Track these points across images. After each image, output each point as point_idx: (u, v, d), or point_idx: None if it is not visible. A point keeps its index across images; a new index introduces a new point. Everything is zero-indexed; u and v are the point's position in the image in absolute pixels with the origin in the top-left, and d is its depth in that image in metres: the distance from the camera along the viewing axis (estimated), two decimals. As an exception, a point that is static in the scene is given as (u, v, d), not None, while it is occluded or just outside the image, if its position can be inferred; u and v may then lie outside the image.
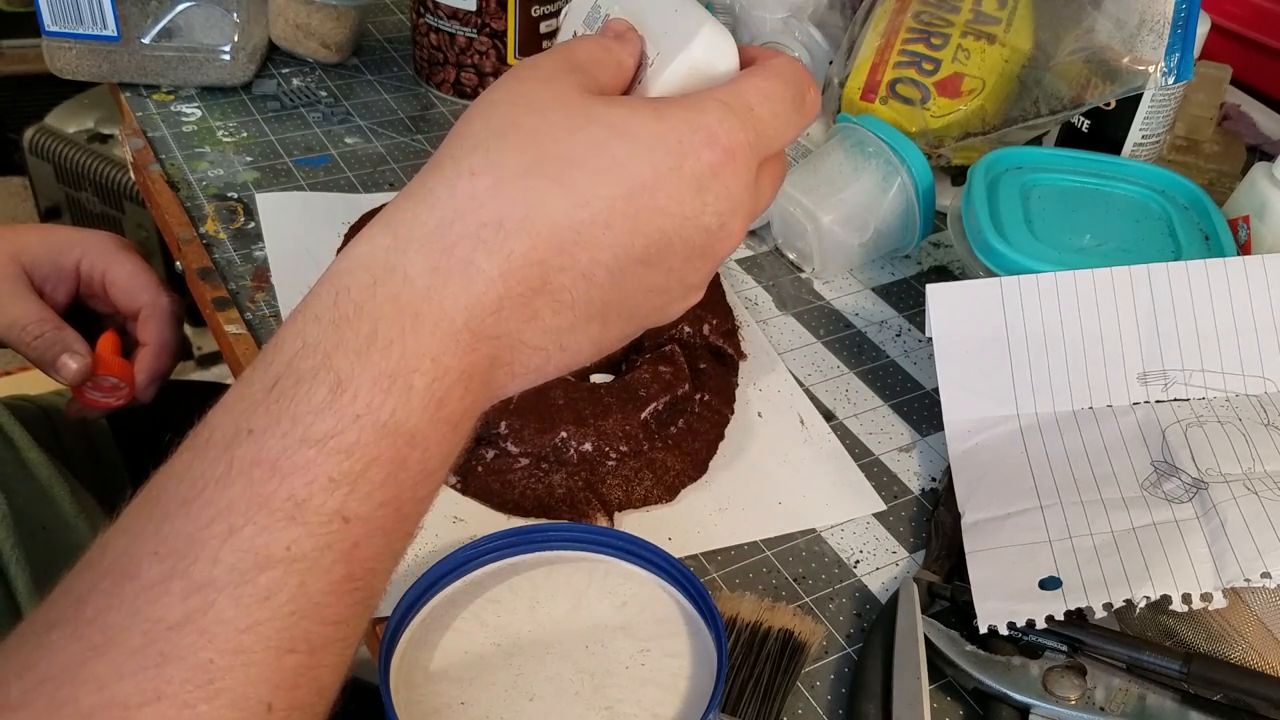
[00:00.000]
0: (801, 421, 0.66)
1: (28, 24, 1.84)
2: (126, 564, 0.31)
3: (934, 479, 0.63)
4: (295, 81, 0.93)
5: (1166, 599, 0.49)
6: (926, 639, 0.51)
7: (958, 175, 0.84)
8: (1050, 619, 0.50)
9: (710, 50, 0.40)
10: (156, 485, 0.33)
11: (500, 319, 0.35)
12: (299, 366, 0.33)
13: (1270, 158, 0.71)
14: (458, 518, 0.58)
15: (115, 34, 0.87)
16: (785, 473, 0.63)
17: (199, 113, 0.88)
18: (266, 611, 0.31)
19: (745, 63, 0.41)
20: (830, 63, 0.89)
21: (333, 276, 0.35)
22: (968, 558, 0.55)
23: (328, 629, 0.33)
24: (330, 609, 0.33)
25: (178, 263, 0.77)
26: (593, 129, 0.36)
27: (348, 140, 0.87)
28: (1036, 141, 0.85)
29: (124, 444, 0.85)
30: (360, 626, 0.35)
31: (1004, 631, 0.51)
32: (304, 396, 0.33)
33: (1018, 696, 0.49)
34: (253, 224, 0.77)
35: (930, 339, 0.63)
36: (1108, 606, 0.50)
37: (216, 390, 0.98)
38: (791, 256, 0.80)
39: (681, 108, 0.37)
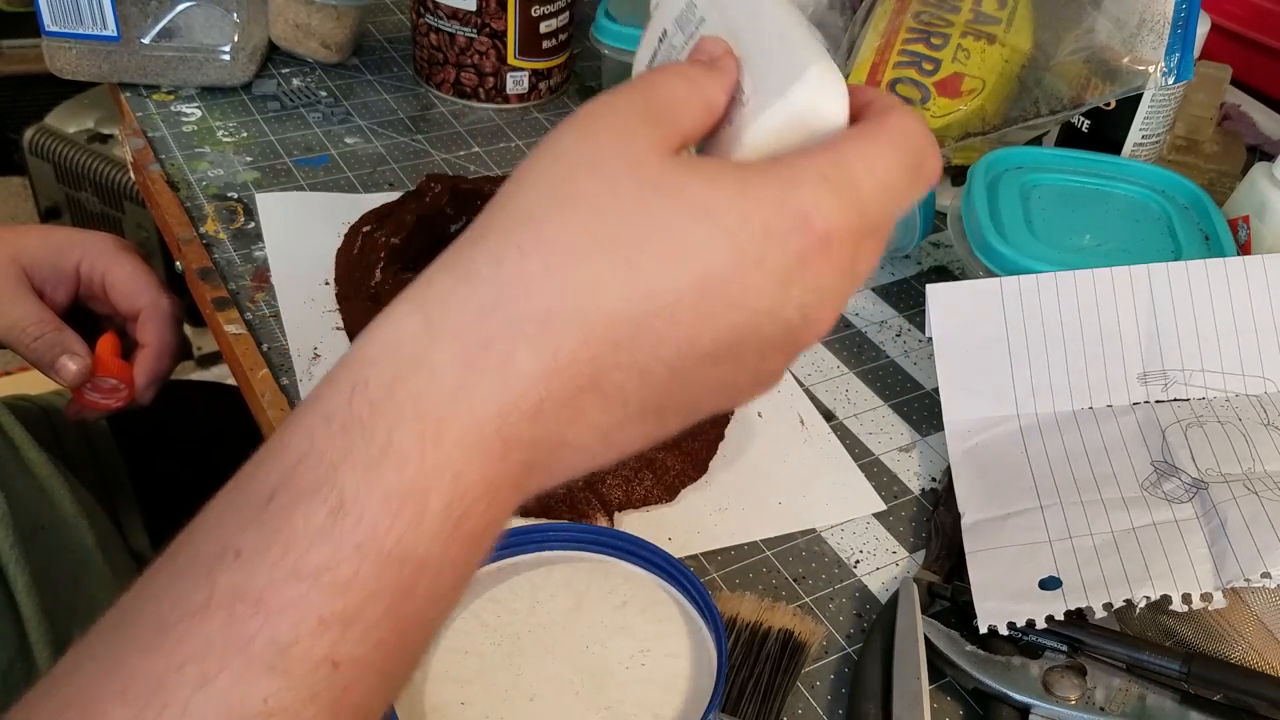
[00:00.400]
0: (801, 421, 0.66)
1: (28, 24, 1.84)
2: (89, 699, 0.28)
3: (934, 479, 0.63)
4: (295, 81, 0.93)
5: (1166, 599, 0.49)
6: (926, 639, 0.51)
7: (958, 175, 0.84)
8: (1050, 619, 0.50)
9: (816, 98, 0.33)
10: (135, 599, 0.30)
11: (539, 422, 0.31)
12: (300, 479, 0.29)
13: (1270, 158, 0.71)
14: (458, 518, 0.58)
15: (115, 34, 0.87)
16: (785, 473, 0.63)
17: (199, 113, 0.88)
18: None
19: (856, 110, 0.35)
20: (830, 63, 0.89)
21: (352, 365, 0.31)
22: (968, 558, 0.55)
23: None
24: None
25: (178, 263, 0.77)
26: (667, 204, 0.31)
27: (348, 140, 0.87)
28: (1036, 141, 0.85)
29: (124, 444, 0.85)
30: None
31: (1004, 631, 0.51)
32: (301, 518, 0.29)
33: (1018, 696, 0.49)
34: (253, 224, 0.77)
35: (930, 339, 0.63)
36: (1108, 606, 0.50)
37: (216, 390, 0.99)
38: (791, 256, 0.80)
39: (771, 182, 0.32)
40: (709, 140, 0.36)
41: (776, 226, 0.31)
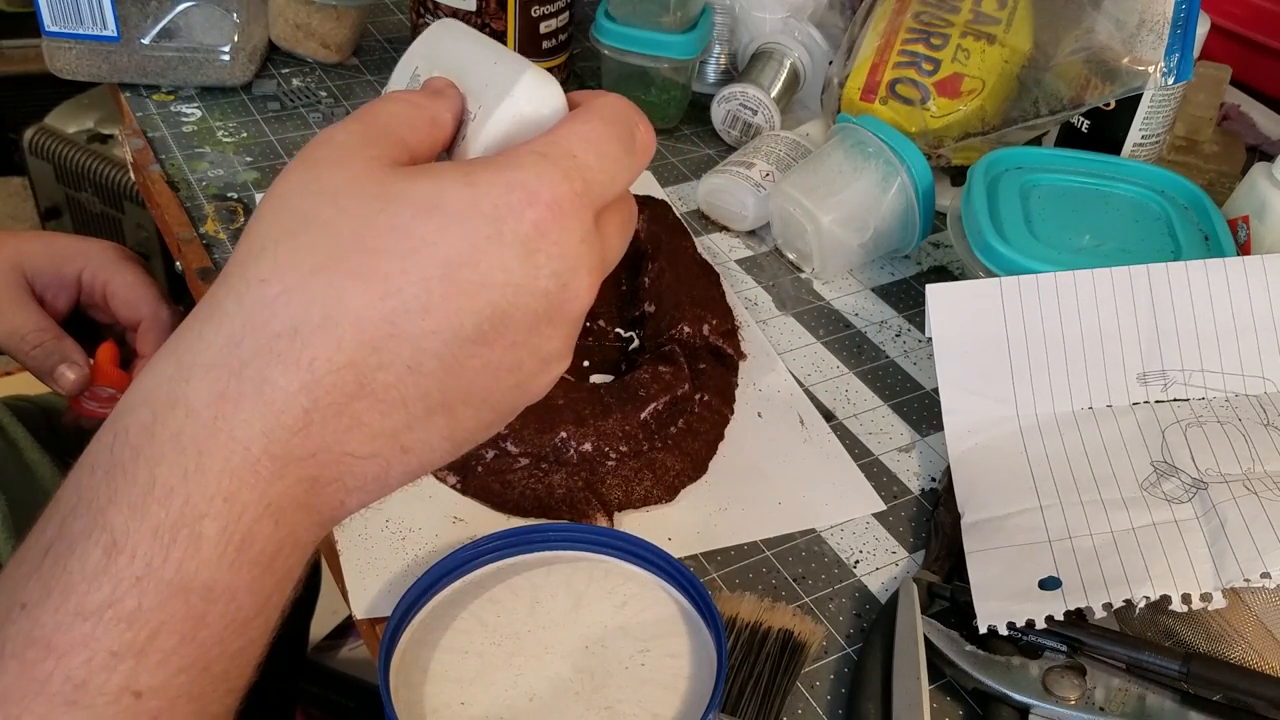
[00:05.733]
0: (801, 421, 0.66)
1: (28, 24, 1.84)
2: None
3: (934, 479, 0.64)
4: (295, 82, 0.93)
5: (1166, 599, 0.49)
6: (926, 639, 0.51)
7: (958, 175, 0.84)
8: (1050, 619, 0.50)
9: (533, 97, 0.37)
10: None
11: (310, 436, 0.31)
12: (72, 528, 0.30)
13: (1270, 158, 0.71)
14: (458, 518, 0.58)
15: (115, 34, 0.87)
16: (785, 473, 0.63)
17: (199, 113, 0.88)
18: None
19: (571, 107, 0.38)
20: (830, 63, 0.89)
21: (115, 418, 0.32)
22: (967, 558, 0.55)
23: None
24: None
25: (178, 263, 0.77)
26: (394, 210, 0.32)
27: (348, 140, 0.87)
28: (1036, 142, 0.85)
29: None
30: None
31: (1004, 631, 0.51)
32: (77, 563, 0.29)
33: (1017, 696, 0.49)
34: (253, 224, 0.77)
35: (930, 339, 0.63)
36: (1107, 606, 0.50)
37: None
38: (791, 257, 0.80)
39: (493, 168, 0.33)
40: (445, 160, 0.38)
41: (506, 203, 0.33)
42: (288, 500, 0.32)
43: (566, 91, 0.38)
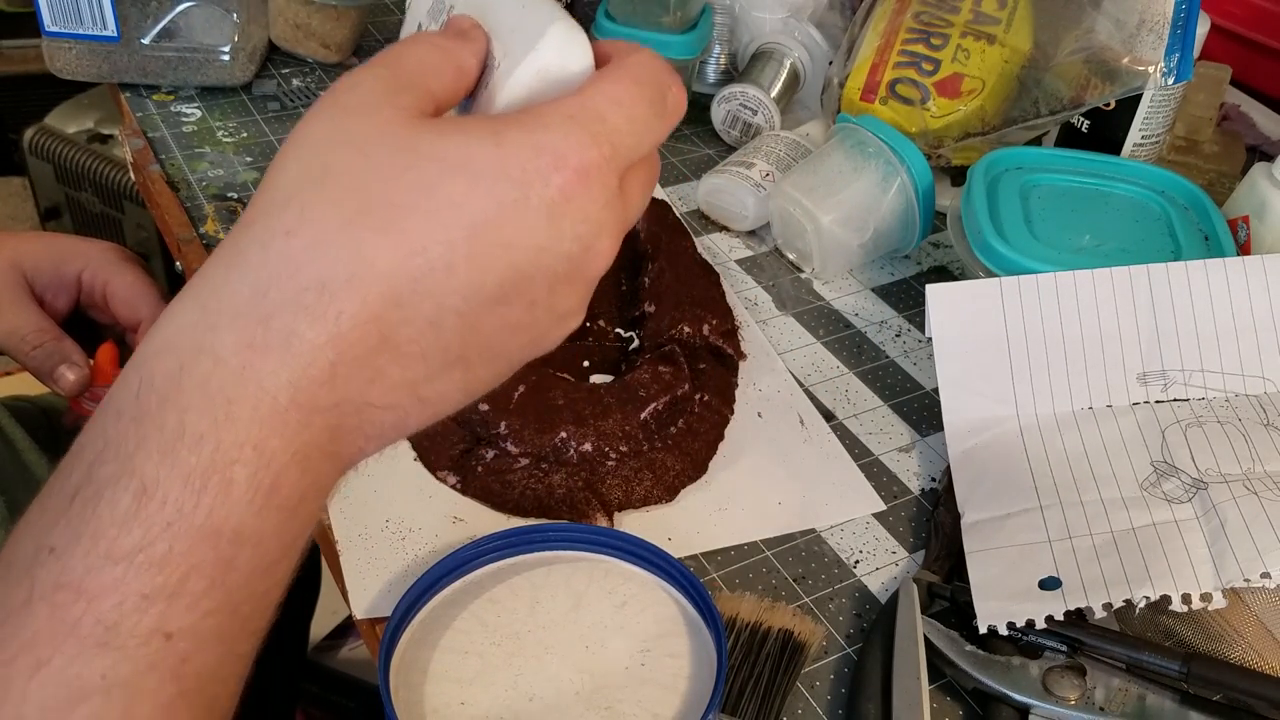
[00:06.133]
0: (801, 421, 0.66)
1: (28, 24, 1.84)
2: None
3: (934, 479, 0.64)
4: (295, 82, 0.93)
5: (1166, 599, 0.49)
6: (926, 639, 0.51)
7: (958, 175, 0.84)
8: (1050, 619, 0.50)
9: (561, 51, 0.36)
10: None
11: (335, 387, 0.32)
12: (100, 473, 0.30)
13: (1270, 158, 0.71)
14: (458, 518, 0.58)
15: (115, 34, 0.87)
16: (785, 473, 0.63)
17: (199, 113, 0.88)
18: None
19: (601, 61, 0.37)
20: (830, 63, 0.89)
21: (138, 364, 0.32)
22: (967, 558, 0.55)
23: None
24: None
25: (178, 263, 0.77)
26: (423, 166, 0.32)
27: (348, 140, 0.87)
28: (1036, 142, 0.85)
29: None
30: None
31: (1004, 631, 0.51)
32: (106, 508, 0.30)
33: (1017, 696, 0.49)
34: (253, 224, 0.77)
35: (930, 339, 0.63)
36: (1107, 607, 0.50)
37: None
38: (791, 257, 0.80)
39: (523, 128, 0.33)
40: (469, 107, 0.38)
41: (534, 167, 0.33)
42: (313, 448, 0.32)
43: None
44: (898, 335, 0.74)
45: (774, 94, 0.90)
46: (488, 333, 0.34)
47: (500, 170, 0.33)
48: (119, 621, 0.29)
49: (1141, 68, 0.77)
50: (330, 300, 0.31)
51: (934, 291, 0.63)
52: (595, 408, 0.60)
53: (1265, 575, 0.49)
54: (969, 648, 0.51)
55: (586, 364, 0.68)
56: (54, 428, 0.81)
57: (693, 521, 0.59)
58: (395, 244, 0.32)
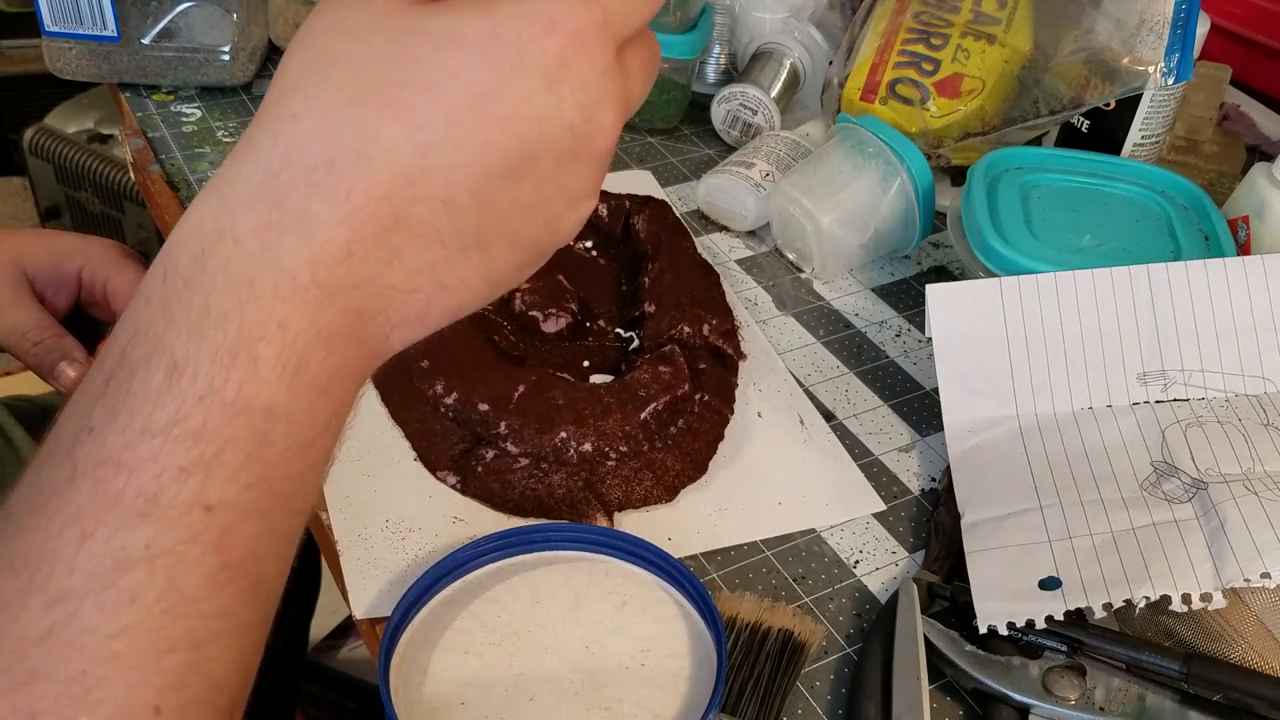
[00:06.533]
0: (801, 421, 0.66)
1: (28, 24, 1.84)
2: None
3: (934, 479, 0.64)
4: (295, 82, 0.93)
5: (1166, 599, 0.49)
6: (926, 639, 0.51)
7: (958, 175, 0.84)
8: (1050, 619, 0.50)
9: None
10: (13, 499, 0.32)
11: (353, 266, 0.33)
12: (132, 355, 0.31)
13: (1270, 158, 0.71)
14: (458, 518, 0.58)
15: (115, 34, 0.87)
16: (785, 473, 0.63)
17: (199, 113, 0.88)
18: (135, 614, 0.30)
19: None
20: (830, 63, 0.89)
21: (163, 254, 0.33)
22: (967, 558, 0.55)
23: (210, 623, 0.31)
24: (208, 602, 0.31)
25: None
26: (418, 43, 0.33)
27: (348, 140, 0.87)
28: (1036, 142, 0.85)
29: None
30: (255, 615, 0.33)
31: (1004, 631, 0.51)
32: (139, 385, 0.31)
33: (1017, 696, 0.49)
34: (253, 224, 0.77)
35: (930, 339, 0.63)
36: (1107, 606, 0.50)
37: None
38: (791, 257, 0.80)
39: (515, 1, 0.34)
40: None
41: (527, 33, 0.33)
42: (337, 328, 0.33)
43: None
44: (898, 335, 0.74)
45: (774, 94, 0.90)
46: (501, 212, 0.35)
47: (494, 38, 0.33)
48: (159, 492, 0.30)
49: (1141, 68, 0.77)
50: (340, 177, 0.32)
51: (934, 291, 0.63)
52: (595, 408, 0.60)
53: (1265, 575, 0.49)
54: (969, 648, 0.51)
55: (586, 364, 0.68)
56: (54, 427, 0.81)
57: (693, 521, 0.59)
58: (398, 119, 0.32)
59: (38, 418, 0.80)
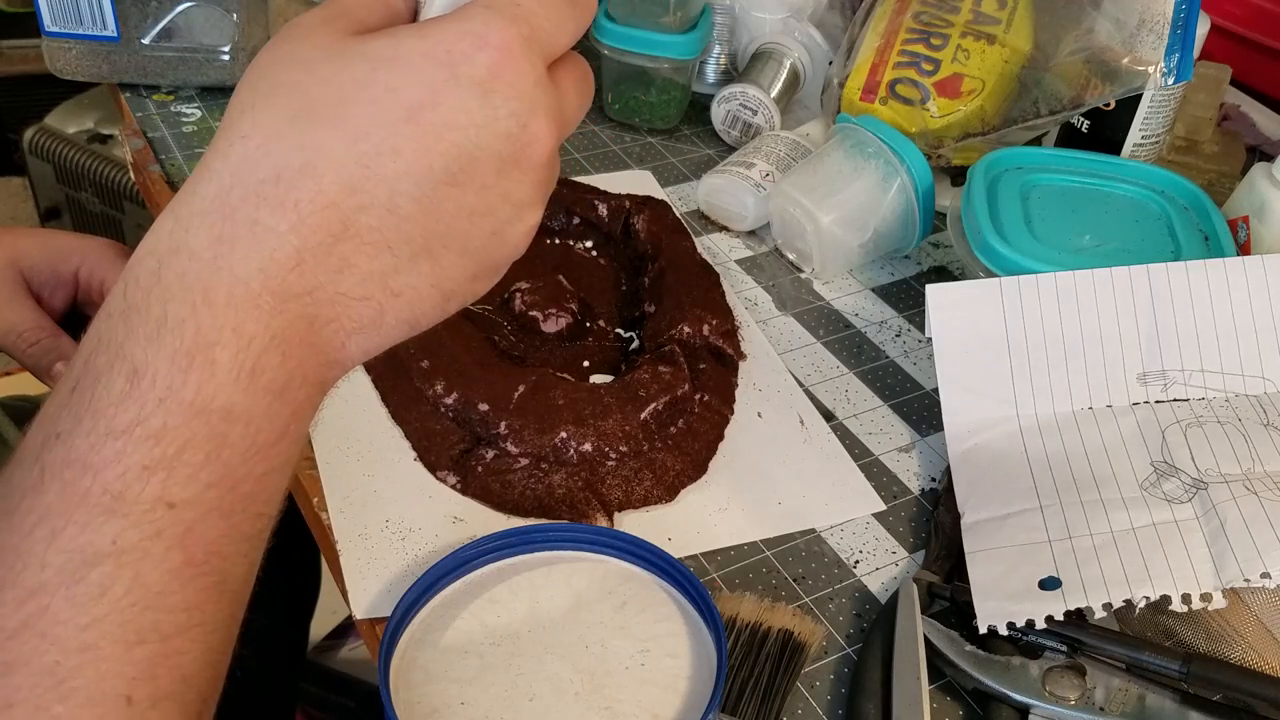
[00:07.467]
0: (801, 421, 0.66)
1: (28, 24, 1.84)
2: None
3: (934, 479, 0.64)
4: (295, 82, 0.93)
5: (1166, 599, 0.49)
6: (926, 639, 0.51)
7: (958, 175, 0.84)
8: (1050, 619, 0.50)
9: None
10: None
11: (304, 274, 0.34)
12: (95, 364, 0.33)
13: (1270, 158, 0.71)
14: (458, 518, 0.58)
15: (115, 34, 0.87)
16: (785, 473, 0.63)
17: (199, 113, 0.88)
18: (104, 606, 0.31)
19: None
20: (830, 63, 0.89)
21: (124, 272, 0.35)
22: (967, 558, 0.55)
23: (177, 616, 0.33)
24: (174, 596, 0.32)
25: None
26: (356, 64, 0.35)
27: (348, 140, 0.87)
28: (1036, 142, 0.85)
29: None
30: (221, 612, 0.34)
31: (1004, 631, 0.51)
32: (103, 391, 0.32)
33: (1017, 696, 0.49)
34: (253, 224, 0.77)
35: (930, 339, 0.63)
36: (1107, 606, 0.50)
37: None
38: (791, 257, 0.80)
39: (444, 22, 0.36)
40: None
41: (458, 48, 0.35)
42: (291, 334, 0.34)
43: None
44: (898, 335, 0.74)
45: (774, 94, 0.90)
46: (447, 219, 0.36)
47: (427, 55, 0.35)
48: (124, 490, 0.32)
49: (1141, 68, 0.77)
50: (287, 189, 0.34)
51: (934, 291, 0.63)
52: (595, 408, 0.60)
53: (1265, 575, 0.49)
54: (969, 648, 0.51)
55: (586, 364, 0.68)
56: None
57: (693, 521, 0.59)
58: (340, 133, 0.34)
59: (34, 417, 0.80)
